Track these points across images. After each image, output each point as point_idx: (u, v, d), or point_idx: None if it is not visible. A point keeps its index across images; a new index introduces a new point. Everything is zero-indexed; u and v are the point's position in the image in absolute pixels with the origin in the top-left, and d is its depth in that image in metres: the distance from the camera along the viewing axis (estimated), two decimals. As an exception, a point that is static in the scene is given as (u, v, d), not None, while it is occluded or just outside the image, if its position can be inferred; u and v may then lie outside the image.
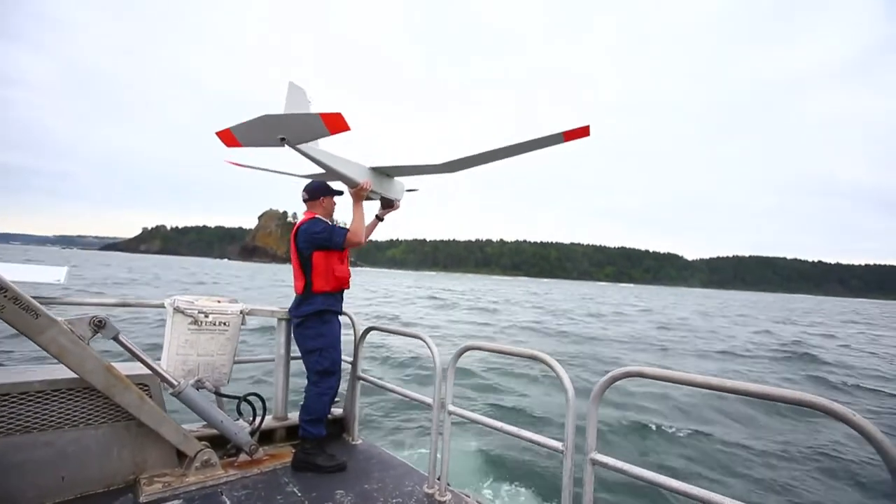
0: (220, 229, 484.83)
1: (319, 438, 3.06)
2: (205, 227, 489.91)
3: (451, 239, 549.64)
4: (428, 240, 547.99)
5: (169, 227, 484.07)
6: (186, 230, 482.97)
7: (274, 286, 40.61)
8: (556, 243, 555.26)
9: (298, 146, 2.68)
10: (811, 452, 6.83)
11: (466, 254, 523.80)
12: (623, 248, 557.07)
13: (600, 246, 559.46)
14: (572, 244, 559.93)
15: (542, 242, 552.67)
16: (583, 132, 2.43)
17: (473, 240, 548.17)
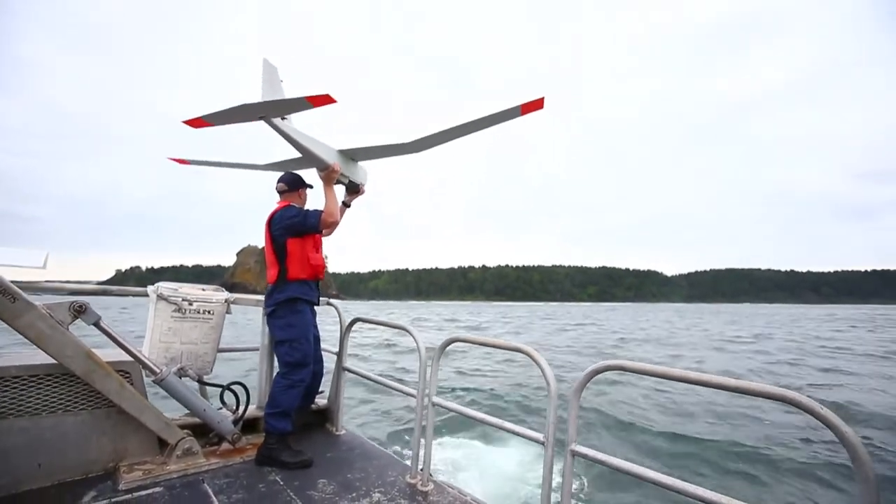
0: (197, 268, 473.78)
1: (284, 433, 2.94)
2: (182, 266, 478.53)
3: (434, 267, 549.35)
4: (410, 269, 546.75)
5: (144, 268, 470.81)
6: (163, 270, 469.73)
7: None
8: (539, 266, 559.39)
9: (276, 122, 2.72)
10: (785, 443, 7.01)
11: (449, 281, 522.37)
12: (604, 268, 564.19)
13: (582, 267, 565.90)
14: (554, 266, 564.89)
15: (524, 266, 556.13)
16: (537, 105, 2.52)
17: (456, 267, 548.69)
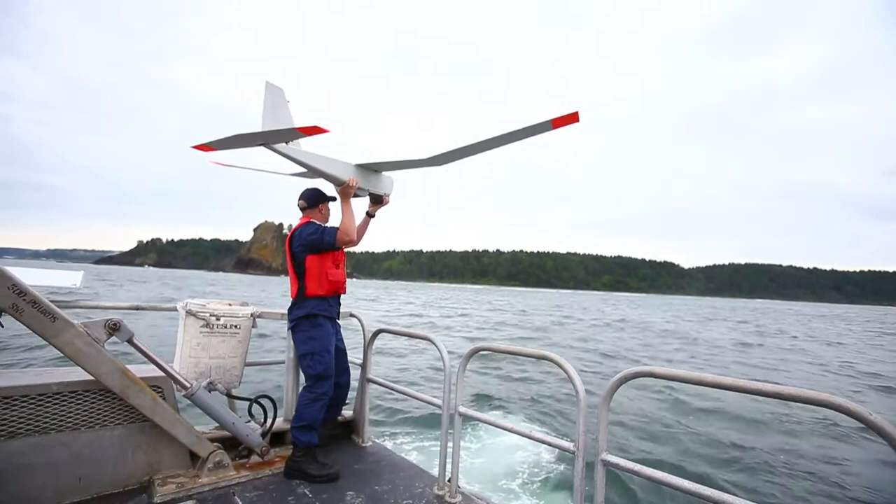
0: (215, 242, 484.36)
1: (310, 446, 2.95)
2: (201, 239, 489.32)
3: (448, 250, 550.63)
4: (424, 251, 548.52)
5: (165, 240, 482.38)
6: (183, 243, 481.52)
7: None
8: (553, 253, 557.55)
9: (277, 147, 2.74)
10: (826, 451, 6.77)
11: (463, 264, 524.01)
12: (619, 257, 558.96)
13: (597, 255, 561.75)
14: (569, 254, 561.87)
15: (538, 252, 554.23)
16: (571, 118, 2.34)
17: (470, 250, 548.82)
